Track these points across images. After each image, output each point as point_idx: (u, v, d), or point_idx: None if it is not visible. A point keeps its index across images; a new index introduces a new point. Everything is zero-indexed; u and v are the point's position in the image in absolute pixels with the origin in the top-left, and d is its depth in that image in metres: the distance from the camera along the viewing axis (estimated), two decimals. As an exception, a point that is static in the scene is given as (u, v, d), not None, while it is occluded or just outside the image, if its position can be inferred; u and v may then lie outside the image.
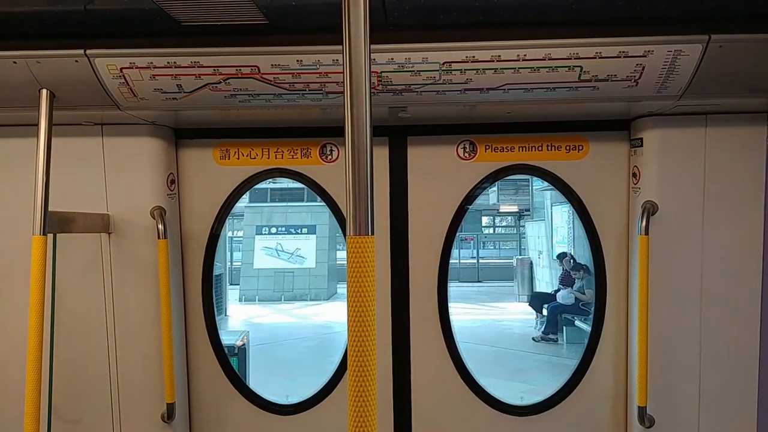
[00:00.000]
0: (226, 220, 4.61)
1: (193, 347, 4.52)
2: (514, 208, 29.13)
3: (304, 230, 22.49)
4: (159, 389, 4.15)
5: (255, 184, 4.54)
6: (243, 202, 23.25)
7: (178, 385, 4.24)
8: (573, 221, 16.91)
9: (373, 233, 1.83)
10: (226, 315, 17.14)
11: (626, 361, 4.32)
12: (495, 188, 27.66)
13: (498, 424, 4.43)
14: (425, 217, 4.38)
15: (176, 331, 4.24)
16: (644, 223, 3.88)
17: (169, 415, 4.16)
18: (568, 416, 4.40)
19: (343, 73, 1.83)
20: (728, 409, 4.08)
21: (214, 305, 4.60)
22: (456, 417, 4.45)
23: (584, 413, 4.40)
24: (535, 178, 20.42)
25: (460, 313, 17.48)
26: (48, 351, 3.74)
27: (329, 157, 4.37)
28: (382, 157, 4.32)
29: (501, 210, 30.49)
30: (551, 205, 20.02)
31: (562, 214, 18.70)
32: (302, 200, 23.10)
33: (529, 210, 25.02)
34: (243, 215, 23.55)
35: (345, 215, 1.86)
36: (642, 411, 3.97)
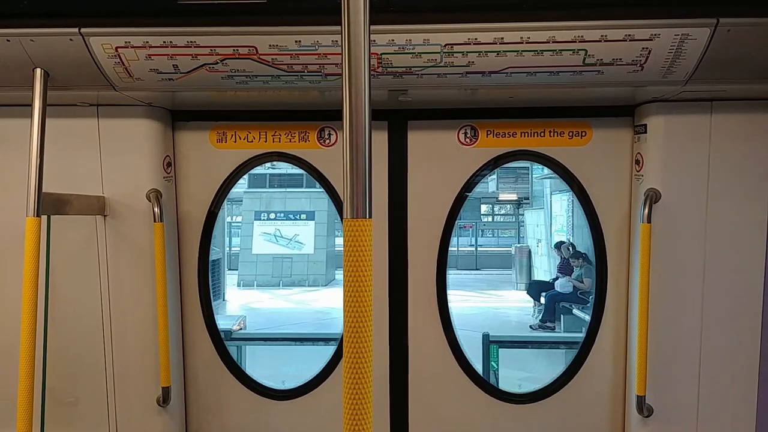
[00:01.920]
0: (225, 205, 4.57)
1: (189, 331, 4.49)
2: (513, 197, 29.10)
3: (303, 216, 22.51)
4: (154, 373, 4.13)
5: (252, 168, 4.49)
6: (242, 187, 23.24)
7: (173, 369, 4.20)
8: (573, 210, 16.88)
9: (371, 216, 1.78)
10: (224, 300, 17.16)
11: (626, 350, 4.29)
12: (494, 176, 27.62)
13: (496, 412, 4.40)
14: (425, 204, 4.33)
15: (172, 315, 4.20)
16: (647, 210, 3.83)
17: (164, 399, 4.14)
18: (566, 404, 4.38)
19: (341, 49, 1.78)
20: (727, 400, 4.05)
21: (211, 289, 4.56)
22: (453, 404, 4.43)
23: (583, 402, 4.37)
24: (534, 166, 20.46)
25: (457, 301, 17.48)
26: (42, 334, 3.71)
27: (327, 141, 4.32)
28: (381, 141, 4.26)
29: (500, 198, 30.47)
30: (551, 194, 20.01)
31: (562, 203, 18.68)
32: (301, 186, 23.05)
33: (528, 198, 24.99)
34: (242, 201, 23.55)
35: (342, 198, 1.81)
36: (641, 400, 3.94)
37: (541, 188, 22.02)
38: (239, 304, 18.48)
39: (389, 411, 4.44)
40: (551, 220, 19.96)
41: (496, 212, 35.00)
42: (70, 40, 3.21)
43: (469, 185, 4.36)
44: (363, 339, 1.77)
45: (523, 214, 26.77)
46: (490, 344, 6.08)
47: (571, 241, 15.41)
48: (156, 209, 4.00)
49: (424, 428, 4.44)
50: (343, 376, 1.80)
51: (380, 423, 4.42)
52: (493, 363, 6.11)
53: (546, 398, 4.40)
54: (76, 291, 4.13)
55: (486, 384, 4.45)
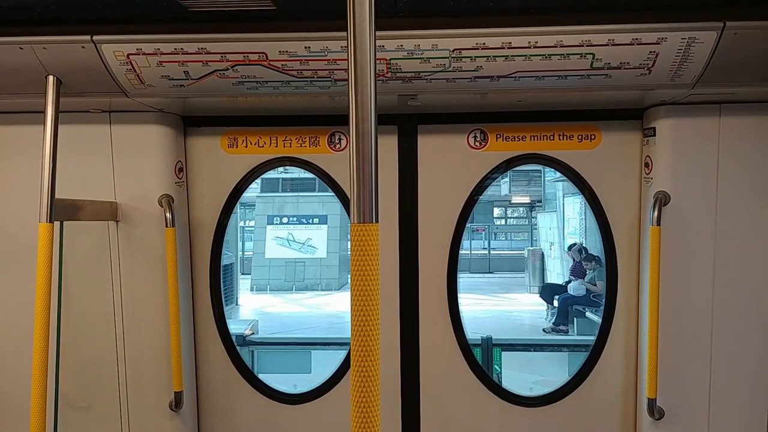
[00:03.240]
0: (238, 210, 4.60)
1: (201, 336, 4.53)
2: (526, 199, 29.00)
3: (316, 220, 22.53)
4: (167, 377, 4.15)
5: (263, 173, 4.52)
6: (254, 192, 23.33)
7: (185, 374, 4.24)
8: (585, 212, 16.83)
9: (377, 221, 1.80)
10: (237, 304, 17.19)
11: (636, 352, 4.28)
12: (507, 179, 27.53)
13: (507, 415, 4.40)
14: (435, 207, 4.34)
15: (184, 320, 4.23)
16: (656, 213, 3.83)
17: (176, 403, 4.16)
18: (577, 407, 4.37)
19: (347, 56, 1.80)
20: (739, 402, 4.04)
21: (222, 294, 4.60)
22: (465, 408, 4.43)
23: (594, 404, 4.37)
24: (547, 169, 20.42)
25: (470, 304, 17.46)
26: (55, 339, 3.75)
27: (338, 145, 4.34)
28: (391, 145, 4.28)
29: (513, 201, 30.38)
30: (563, 196, 19.96)
31: (574, 206, 18.63)
32: (314, 190, 23.09)
33: (540, 201, 24.92)
34: (254, 205, 23.63)
35: (350, 203, 1.83)
36: (652, 403, 3.93)
37: (553, 191, 21.98)
38: (252, 308, 18.53)
39: (401, 413, 4.45)
40: (564, 223, 19.91)
41: (509, 215, 34.88)
42: (83, 47, 3.25)
43: (479, 189, 4.37)
44: (370, 343, 1.79)
45: (535, 217, 26.69)
46: (493, 347, 6.10)
47: (583, 244, 15.35)
48: (168, 214, 4.03)
49: (436, 430, 4.45)
50: (351, 380, 1.81)
51: (392, 426, 4.43)
52: (496, 366, 6.13)
53: (557, 401, 4.40)
54: (89, 296, 4.16)
55: (497, 387, 4.45)
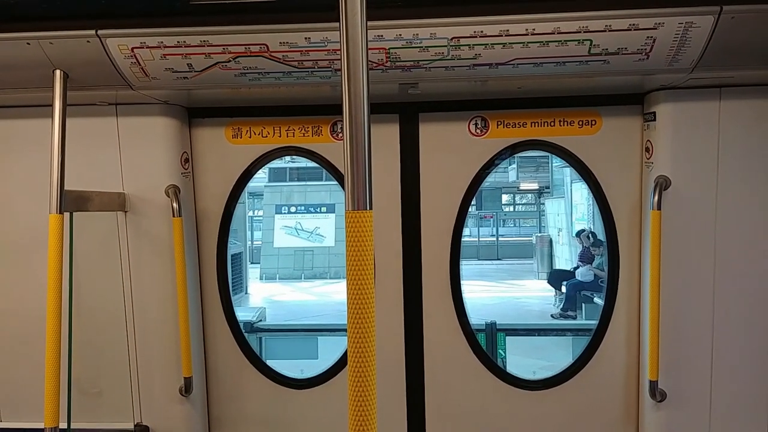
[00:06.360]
0: (246, 200, 4.66)
1: (210, 323, 4.60)
2: (534, 186, 28.96)
3: (323, 209, 22.60)
4: (176, 364, 4.23)
5: (267, 163, 4.58)
6: (262, 181, 23.41)
7: (194, 360, 4.31)
8: (592, 198, 16.81)
9: (371, 208, 1.85)
10: (246, 293, 17.33)
11: (638, 335, 4.32)
12: (514, 165, 27.47)
13: (511, 399, 4.46)
14: (437, 194, 4.38)
15: (192, 308, 4.30)
16: (656, 197, 3.85)
17: (186, 388, 4.24)
18: (580, 390, 4.42)
19: (340, 46, 1.85)
20: (740, 384, 4.07)
21: (230, 282, 4.66)
22: (469, 392, 4.49)
23: (597, 387, 4.41)
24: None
25: (479, 291, 17.53)
26: (67, 328, 3.82)
27: (340, 134, 4.36)
28: (393, 134, 4.32)
29: (521, 187, 30.35)
30: (571, 182, 19.93)
31: (582, 191, 18.60)
32: (321, 179, 23.15)
33: (548, 187, 24.88)
34: (263, 194, 23.71)
35: (344, 191, 1.88)
36: (653, 385, 3.97)
37: (561, 177, 21.94)
38: (262, 297, 18.64)
39: (405, 399, 4.51)
40: (572, 209, 19.90)
41: (517, 202, 34.83)
42: (88, 41, 3.30)
43: (481, 175, 4.39)
44: (366, 325, 1.84)
45: (543, 203, 26.66)
46: (497, 332, 6.16)
47: (591, 229, 15.36)
48: (175, 204, 4.09)
49: (440, 415, 4.51)
50: (348, 365, 1.87)
51: (397, 411, 4.51)
52: (500, 351, 6.19)
53: (560, 384, 4.44)
54: (99, 285, 4.24)
55: (500, 371, 4.51)
